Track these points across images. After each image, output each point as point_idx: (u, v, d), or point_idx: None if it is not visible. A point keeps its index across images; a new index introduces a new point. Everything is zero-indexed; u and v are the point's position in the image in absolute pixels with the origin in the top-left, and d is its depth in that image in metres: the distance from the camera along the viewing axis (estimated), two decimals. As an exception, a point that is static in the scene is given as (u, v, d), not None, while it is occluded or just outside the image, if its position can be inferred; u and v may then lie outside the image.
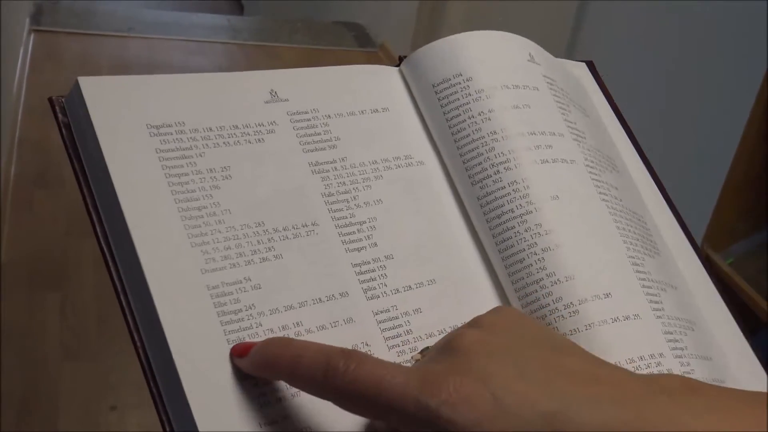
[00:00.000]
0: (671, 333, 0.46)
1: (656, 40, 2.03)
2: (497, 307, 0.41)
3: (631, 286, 0.46)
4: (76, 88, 0.42)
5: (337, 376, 0.34)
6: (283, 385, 0.39)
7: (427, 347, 0.41)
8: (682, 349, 0.45)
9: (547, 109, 0.50)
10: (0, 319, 1.91)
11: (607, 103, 0.57)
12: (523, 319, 0.40)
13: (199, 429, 0.36)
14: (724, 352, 0.48)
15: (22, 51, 2.70)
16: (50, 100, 0.43)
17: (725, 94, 1.76)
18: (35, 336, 1.93)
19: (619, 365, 0.39)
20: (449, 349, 0.36)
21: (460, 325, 0.44)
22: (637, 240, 0.49)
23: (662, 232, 0.52)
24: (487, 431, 0.32)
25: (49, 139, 2.43)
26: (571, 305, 0.44)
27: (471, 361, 0.35)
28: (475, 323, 0.38)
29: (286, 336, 0.40)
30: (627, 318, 0.45)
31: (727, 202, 1.49)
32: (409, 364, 0.42)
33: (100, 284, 2.03)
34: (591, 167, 0.50)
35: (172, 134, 0.43)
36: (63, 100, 0.43)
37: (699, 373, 0.45)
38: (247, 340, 0.39)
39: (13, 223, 2.22)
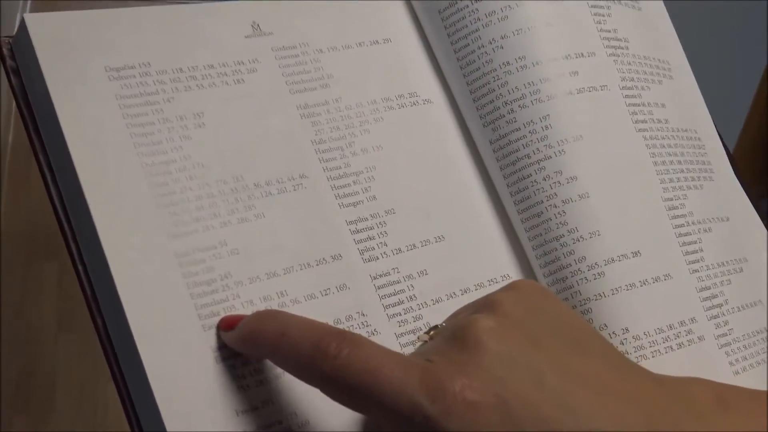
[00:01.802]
0: (708, 288, 0.40)
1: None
2: (515, 283, 0.35)
3: (664, 240, 0.40)
4: (23, 26, 0.36)
5: (327, 360, 0.29)
6: (266, 365, 0.34)
7: (436, 326, 0.36)
8: (720, 305, 0.40)
9: (575, 23, 0.43)
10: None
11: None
12: (544, 299, 0.34)
13: (164, 420, 0.32)
14: None
15: (19, 16, 2.63)
16: (-5, 41, 0.38)
17: (725, 90, 1.69)
18: (33, 307, 1.92)
19: (648, 334, 0.35)
20: (458, 339, 0.30)
21: (473, 288, 0.39)
22: (681, 172, 0.42)
23: (718, 148, 0.45)
24: None
25: None
26: (596, 266, 0.39)
27: (482, 359, 0.29)
28: (490, 307, 0.32)
29: (272, 309, 0.35)
30: (657, 279, 0.39)
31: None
32: (410, 346, 0.37)
33: None
34: (629, 88, 0.43)
35: (135, 77, 0.37)
36: (10, 41, 0.38)
37: (738, 330, 0.40)
38: (223, 314, 0.34)
39: (10, 193, 2.19)
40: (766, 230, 0.45)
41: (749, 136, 1.43)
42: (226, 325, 0.34)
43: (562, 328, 0.32)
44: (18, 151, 2.31)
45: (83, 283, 0.35)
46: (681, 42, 0.47)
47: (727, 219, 0.43)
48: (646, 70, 0.44)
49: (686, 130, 0.44)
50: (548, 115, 0.41)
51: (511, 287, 0.34)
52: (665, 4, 0.48)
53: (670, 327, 0.38)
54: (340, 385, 0.29)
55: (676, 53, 0.47)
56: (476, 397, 0.28)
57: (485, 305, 0.33)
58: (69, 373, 1.79)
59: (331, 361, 0.29)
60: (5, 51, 0.37)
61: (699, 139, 0.44)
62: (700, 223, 0.42)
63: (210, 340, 0.34)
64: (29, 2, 2.67)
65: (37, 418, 1.70)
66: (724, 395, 0.31)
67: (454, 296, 0.39)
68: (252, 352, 0.33)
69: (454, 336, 0.31)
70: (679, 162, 0.43)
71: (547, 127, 0.40)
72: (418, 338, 0.36)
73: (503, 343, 0.30)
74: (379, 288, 0.38)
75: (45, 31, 0.36)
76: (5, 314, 1.88)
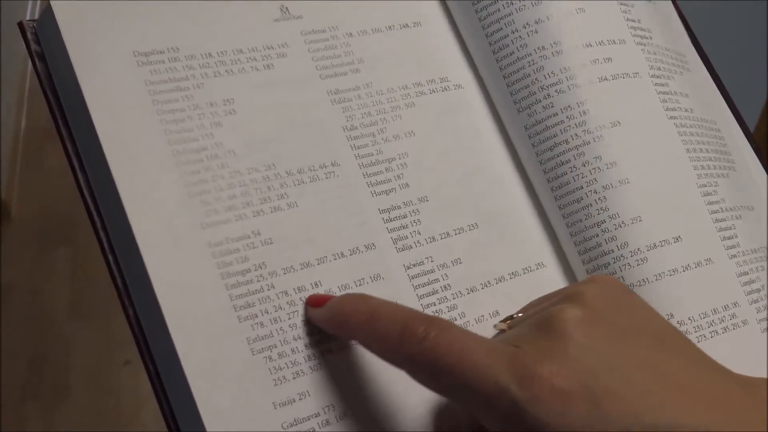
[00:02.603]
0: (746, 273, 0.39)
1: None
2: (595, 277, 0.34)
3: (702, 224, 0.39)
4: (48, 11, 0.35)
5: (414, 342, 0.29)
6: (300, 356, 0.33)
7: (512, 316, 0.35)
8: (758, 290, 0.39)
9: (605, 11, 0.42)
10: None
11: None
12: (626, 294, 0.33)
13: (201, 413, 0.31)
14: None
15: (29, 13, 2.61)
16: (20, 24, 0.37)
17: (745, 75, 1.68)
18: (46, 291, 1.92)
19: (693, 319, 0.35)
20: (544, 328, 0.30)
21: (507, 277, 0.38)
22: (710, 160, 0.41)
23: (737, 138, 0.45)
24: None
25: None
26: (639, 252, 0.38)
27: (570, 348, 0.29)
28: (575, 298, 0.32)
29: (365, 294, 0.34)
30: (699, 264, 0.38)
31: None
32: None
33: None
34: (657, 77, 0.42)
35: (164, 62, 0.36)
36: (34, 25, 0.36)
37: None
38: (257, 305, 0.33)
39: (24, 177, 2.19)
40: None
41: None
42: (315, 302, 0.34)
43: (644, 323, 0.31)
44: (31, 137, 2.30)
45: (113, 273, 0.34)
46: (699, 28, 0.47)
47: (752, 208, 0.42)
48: (669, 61, 0.43)
49: (708, 121, 0.43)
50: (586, 100, 0.40)
51: (592, 281, 0.33)
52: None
53: (714, 311, 0.37)
54: (426, 367, 0.29)
55: (689, 48, 0.46)
56: (565, 385, 0.27)
57: (568, 297, 0.32)
58: (82, 359, 1.78)
59: (418, 343, 0.29)
60: (29, 35, 0.36)
61: (719, 130, 0.44)
62: (732, 210, 0.41)
63: (246, 331, 0.33)
64: (38, 2, 2.66)
65: (49, 404, 1.70)
66: None
67: (488, 285, 0.38)
68: (339, 332, 0.33)
69: (540, 325, 0.30)
70: (707, 150, 0.42)
71: (584, 112, 0.39)
72: (494, 326, 0.36)
73: (590, 334, 0.29)
74: (412, 278, 0.37)
75: (71, 16, 0.35)
76: (18, 299, 1.88)
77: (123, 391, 1.73)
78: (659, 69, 0.42)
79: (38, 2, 2.64)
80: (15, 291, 1.89)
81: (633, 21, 0.43)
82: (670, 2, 0.47)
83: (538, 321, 0.31)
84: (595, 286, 0.33)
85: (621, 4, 0.43)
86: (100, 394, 1.72)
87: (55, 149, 2.28)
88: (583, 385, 0.27)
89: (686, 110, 0.42)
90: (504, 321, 0.35)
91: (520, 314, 0.35)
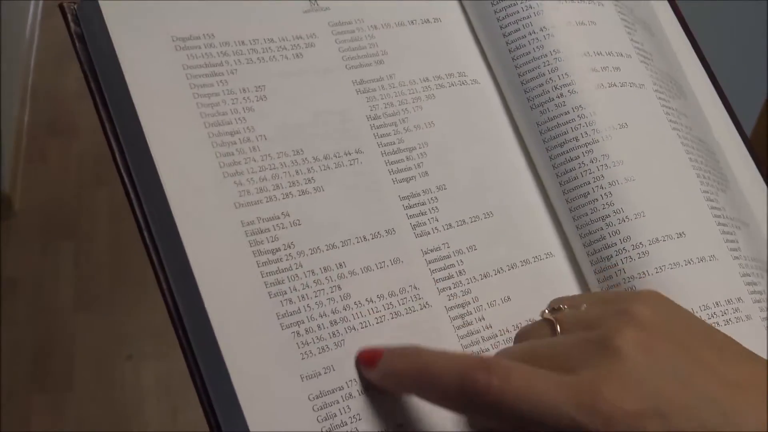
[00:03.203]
0: (749, 275, 0.42)
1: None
2: (643, 293, 0.35)
3: (706, 224, 0.42)
4: None
5: (478, 394, 0.30)
6: (326, 332, 0.35)
7: (560, 307, 0.36)
8: (760, 293, 0.41)
9: (613, 27, 0.45)
10: (2, 268, 1.89)
11: (677, 21, 0.51)
12: (676, 309, 0.34)
13: (232, 378, 0.33)
14: None
15: (30, 16, 2.59)
16: (61, 6, 0.38)
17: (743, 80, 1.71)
18: (49, 285, 1.91)
19: (693, 311, 0.36)
20: (605, 348, 0.31)
21: (519, 264, 0.40)
22: (709, 173, 0.44)
23: (731, 163, 0.47)
24: None
25: (63, 87, 2.33)
26: (641, 245, 0.40)
27: (632, 370, 0.30)
28: (630, 317, 0.32)
29: (416, 348, 0.34)
30: (702, 260, 0.40)
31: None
32: (459, 319, 0.38)
33: (114, 233, 1.99)
34: (660, 92, 0.45)
35: (200, 48, 0.38)
36: (75, 7, 0.38)
37: None
38: (286, 282, 0.35)
39: (27, 171, 2.18)
40: None
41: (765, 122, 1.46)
42: (367, 361, 0.35)
43: (699, 334, 0.33)
44: (34, 132, 2.29)
45: (149, 249, 0.35)
46: (699, 26, 0.49)
47: (747, 225, 0.44)
48: (668, 84, 0.46)
49: (704, 142, 0.46)
50: (597, 101, 0.42)
51: (644, 300, 0.34)
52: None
53: (717, 304, 0.39)
54: (496, 416, 0.30)
55: (683, 78, 0.49)
56: (634, 407, 0.28)
57: (623, 313, 0.32)
58: (85, 352, 1.78)
59: (485, 395, 0.30)
60: (69, 16, 0.38)
61: (714, 153, 0.46)
62: (731, 218, 0.43)
63: (276, 307, 0.35)
64: (41, 1, 2.63)
65: (55, 396, 1.70)
66: None
67: (501, 272, 0.40)
68: (396, 390, 0.34)
69: (598, 345, 0.31)
70: (706, 164, 0.44)
71: (594, 113, 0.42)
72: (542, 314, 0.36)
73: (651, 352, 0.30)
74: (430, 262, 0.39)
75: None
76: (22, 293, 1.88)
77: (126, 384, 1.74)
78: (661, 86, 0.45)
79: (41, 2, 2.62)
80: (19, 285, 1.89)
81: (636, 42, 0.46)
82: (667, 37, 0.50)
83: (595, 340, 0.31)
84: (646, 304, 0.33)
85: (626, 26, 0.46)
86: (104, 387, 1.73)
87: (58, 144, 2.27)
88: (651, 402, 0.29)
89: (686, 126, 0.45)
90: (550, 310, 0.36)
91: (564, 306, 0.36)
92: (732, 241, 0.42)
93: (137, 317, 1.82)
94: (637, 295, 0.34)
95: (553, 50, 0.43)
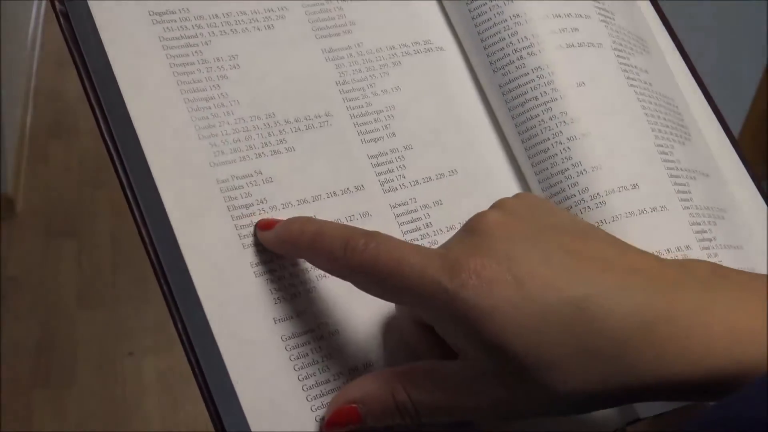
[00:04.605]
0: (699, 224, 0.44)
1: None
2: (520, 193, 0.39)
3: (658, 177, 0.44)
4: None
5: (356, 253, 0.33)
6: (297, 280, 0.38)
7: None
8: (710, 240, 0.44)
9: None
10: (5, 266, 1.93)
11: None
12: (547, 203, 0.38)
13: (210, 322, 0.35)
14: (756, 240, 0.46)
15: (34, 12, 2.63)
16: (47, -14, 0.41)
17: (733, 74, 1.71)
18: (52, 283, 1.95)
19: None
20: (470, 231, 0.34)
21: None
22: (667, 126, 0.46)
23: (696, 116, 0.50)
24: (509, 317, 0.31)
25: (65, 88, 2.37)
26: (598, 196, 0.42)
27: (493, 244, 0.33)
28: (498, 206, 0.36)
29: (309, 216, 0.38)
30: (654, 209, 0.43)
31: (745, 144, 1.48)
32: None
33: (116, 232, 2.03)
34: (619, 50, 0.47)
35: (175, 21, 0.41)
36: (60, -14, 0.41)
37: (728, 262, 0.43)
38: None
39: (29, 172, 2.22)
40: (750, 181, 0.49)
41: (754, 117, 1.47)
42: (264, 226, 0.38)
43: (567, 223, 0.36)
44: (36, 132, 2.34)
45: (132, 207, 0.38)
46: (690, 23, 0.51)
47: (707, 175, 0.47)
48: (629, 41, 0.48)
49: (665, 96, 0.48)
50: (554, 62, 0.44)
51: (517, 196, 0.38)
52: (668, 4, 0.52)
53: (668, 251, 0.42)
54: (369, 275, 0.33)
55: (650, 35, 0.51)
56: (491, 274, 0.31)
57: (494, 206, 0.36)
58: (87, 349, 1.82)
59: (361, 253, 0.33)
60: (55, -4, 0.41)
61: (677, 107, 0.48)
62: (686, 170, 0.45)
63: (249, 256, 0.37)
64: (43, 3, 2.67)
65: (56, 392, 1.74)
66: (720, 270, 0.34)
67: None
68: (288, 251, 0.37)
69: (466, 229, 0.35)
70: (664, 119, 0.46)
71: (552, 73, 0.44)
72: None
73: (512, 230, 0.33)
74: (398, 216, 0.41)
75: None
76: (25, 291, 1.92)
77: (128, 380, 1.77)
78: (620, 45, 0.47)
79: (43, 4, 2.67)
80: (22, 283, 1.93)
81: (596, 2, 0.48)
82: (645, 2, 0.52)
83: (464, 226, 0.35)
84: (518, 197, 0.37)
85: None
86: (106, 383, 1.76)
87: (60, 145, 2.31)
88: (508, 270, 0.31)
89: (645, 83, 0.47)
90: None
91: None
92: (684, 192, 0.44)
93: (138, 314, 1.86)
94: (514, 195, 0.38)
95: (513, 15, 0.45)
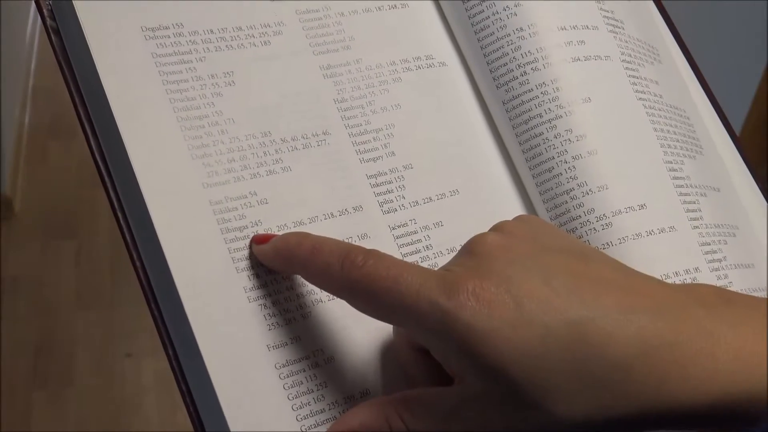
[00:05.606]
0: (708, 244, 0.42)
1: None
2: (521, 215, 0.38)
3: (667, 196, 0.43)
4: None
5: (354, 268, 0.32)
6: (292, 305, 0.37)
7: None
8: (719, 260, 0.42)
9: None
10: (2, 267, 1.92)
11: None
12: (548, 226, 0.37)
13: (202, 350, 0.34)
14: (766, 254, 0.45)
15: (32, 15, 2.62)
16: (36, 2, 0.40)
17: (734, 74, 1.70)
18: (50, 285, 1.95)
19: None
20: (469, 252, 0.33)
21: None
22: (677, 141, 0.45)
23: (709, 128, 0.48)
24: (508, 340, 0.30)
25: (63, 89, 2.37)
26: (604, 217, 0.41)
27: (492, 265, 0.32)
28: (498, 228, 0.35)
29: (306, 232, 0.37)
30: (662, 231, 0.41)
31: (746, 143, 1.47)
32: None
33: (115, 233, 2.02)
34: (628, 62, 0.45)
35: (169, 37, 0.39)
36: (50, 2, 0.40)
37: (738, 284, 0.42)
38: (254, 258, 0.37)
39: (28, 172, 2.21)
40: (761, 196, 0.47)
41: (754, 117, 1.46)
42: (260, 240, 0.37)
43: (568, 245, 0.35)
44: (35, 133, 2.33)
45: (122, 227, 0.37)
46: (692, 23, 0.50)
47: (719, 190, 0.45)
48: (640, 50, 0.47)
49: (677, 108, 0.46)
50: (559, 77, 0.43)
51: (518, 218, 0.37)
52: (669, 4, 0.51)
53: (676, 274, 0.41)
54: (365, 292, 0.32)
55: (661, 42, 0.49)
56: (490, 296, 0.30)
57: (493, 228, 0.35)
58: (86, 350, 1.81)
59: (358, 269, 0.32)
60: (45, 11, 0.40)
61: (688, 118, 0.47)
62: (696, 186, 0.44)
63: (243, 281, 0.36)
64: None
65: (55, 393, 1.73)
66: (725, 294, 0.32)
67: None
68: (284, 264, 0.36)
69: (465, 250, 0.34)
70: (674, 132, 0.45)
71: (558, 89, 0.43)
72: None
73: (512, 252, 0.32)
74: (397, 237, 0.40)
75: None
76: (24, 292, 1.91)
77: (126, 381, 1.76)
78: (630, 56, 0.46)
79: None
80: (21, 284, 1.92)
81: (606, 11, 0.46)
82: (651, 2, 0.50)
83: (463, 248, 0.34)
84: (519, 219, 0.36)
85: None
86: (104, 384, 1.76)
87: (58, 145, 2.31)
88: (507, 292, 0.30)
89: (655, 95, 0.45)
90: None
91: None
92: (693, 211, 0.43)
93: (137, 315, 1.85)
94: (515, 217, 0.37)
95: (516, 29, 0.44)
